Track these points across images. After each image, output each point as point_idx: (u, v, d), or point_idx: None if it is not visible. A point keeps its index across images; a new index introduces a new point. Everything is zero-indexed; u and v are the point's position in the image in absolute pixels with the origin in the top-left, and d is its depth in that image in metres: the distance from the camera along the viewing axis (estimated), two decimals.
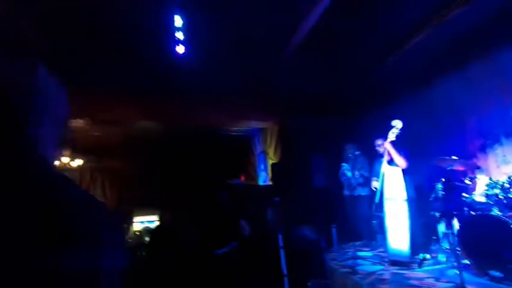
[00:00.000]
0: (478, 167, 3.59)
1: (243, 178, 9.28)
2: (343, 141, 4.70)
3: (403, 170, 3.58)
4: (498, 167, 3.83)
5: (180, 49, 4.60)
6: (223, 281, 3.49)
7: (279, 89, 5.64)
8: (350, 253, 3.85)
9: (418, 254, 3.43)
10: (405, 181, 3.59)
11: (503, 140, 3.78)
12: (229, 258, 3.72)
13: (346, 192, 4.06)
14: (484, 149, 4.02)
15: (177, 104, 5.78)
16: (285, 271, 3.76)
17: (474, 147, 4.14)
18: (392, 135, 3.60)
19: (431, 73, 4.70)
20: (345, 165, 3.77)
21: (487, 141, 3.96)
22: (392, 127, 3.61)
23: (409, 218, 3.33)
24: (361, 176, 4.01)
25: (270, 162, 7.19)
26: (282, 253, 3.82)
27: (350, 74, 5.27)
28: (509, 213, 2.70)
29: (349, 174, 3.73)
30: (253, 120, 6.93)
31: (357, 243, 4.37)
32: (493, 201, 2.78)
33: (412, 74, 4.83)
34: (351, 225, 4.28)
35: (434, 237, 3.58)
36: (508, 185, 2.74)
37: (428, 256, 3.41)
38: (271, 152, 7.28)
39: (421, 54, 4.48)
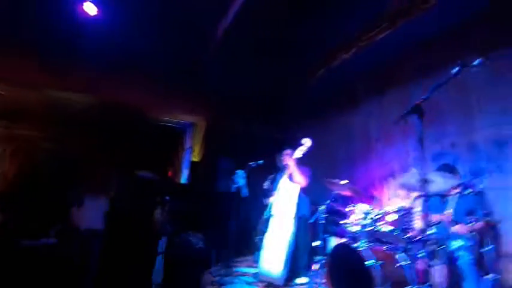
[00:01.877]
0: (372, 196, 3.55)
1: (170, 173, 8.71)
2: (263, 148, 4.47)
3: (301, 189, 3.42)
4: (389, 199, 3.86)
5: (91, 9, 4.00)
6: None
7: (206, 81, 5.28)
8: (234, 269, 3.57)
9: (295, 277, 3.25)
10: (301, 200, 3.43)
11: (397, 174, 3.82)
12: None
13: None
14: (382, 180, 4.05)
15: (87, 75, 5.06)
16: (157, 279, 3.33)
17: (376, 177, 4.17)
18: (299, 153, 3.46)
19: (353, 94, 4.71)
20: (239, 172, 3.51)
21: (385, 173, 3.99)
22: (301, 144, 3.46)
23: (292, 238, 3.13)
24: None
25: (193, 159, 6.77)
26: (159, 259, 3.38)
27: (280, 81, 5.10)
28: (376, 246, 2.61)
29: (241, 182, 3.48)
30: (179, 111, 6.44)
31: (249, 257, 4.12)
32: (362, 232, 2.67)
33: (336, 92, 4.81)
34: (243, 238, 4.00)
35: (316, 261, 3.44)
36: (379, 217, 2.65)
37: (304, 280, 3.24)
38: (196, 149, 6.87)
39: (345, 73, 4.45)
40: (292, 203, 3.20)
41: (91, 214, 4.27)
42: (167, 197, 3.91)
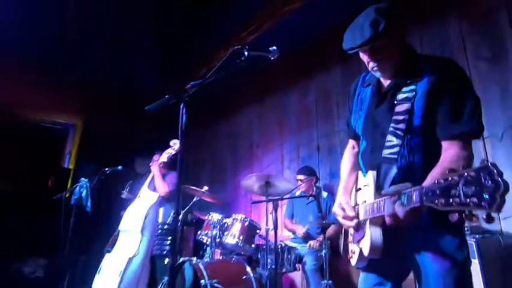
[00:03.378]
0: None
1: (49, 183, 7.27)
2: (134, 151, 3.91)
3: (163, 197, 2.98)
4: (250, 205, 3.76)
5: None
6: None
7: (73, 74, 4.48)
8: None
9: None
10: (163, 210, 2.99)
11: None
12: None
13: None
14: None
15: None
16: None
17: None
18: (165, 156, 3.01)
19: (236, 101, 4.59)
20: (81, 181, 2.87)
21: None
22: (169, 146, 3.02)
23: (138, 256, 2.66)
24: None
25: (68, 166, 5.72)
26: None
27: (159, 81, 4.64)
28: (224, 258, 2.35)
29: (83, 192, 2.85)
30: (54, 109, 5.38)
31: None
32: (211, 243, 2.39)
33: (221, 97, 4.60)
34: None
35: None
36: (227, 226, 2.40)
37: None
38: (73, 153, 5.84)
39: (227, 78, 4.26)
40: (140, 214, 2.72)
41: None
42: None
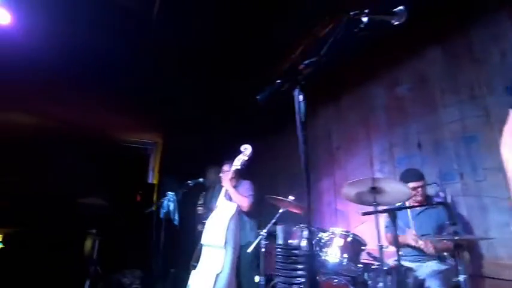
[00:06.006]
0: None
1: (138, 198, 8.00)
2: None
3: (243, 210, 2.82)
4: (358, 213, 3.29)
5: (3, 17, 3.48)
6: None
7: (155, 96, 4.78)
8: None
9: None
10: (243, 223, 2.82)
11: None
12: None
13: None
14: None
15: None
16: None
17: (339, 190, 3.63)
18: (237, 162, 2.85)
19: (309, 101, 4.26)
20: (169, 195, 2.86)
21: None
22: (240, 152, 2.88)
23: (224, 274, 2.50)
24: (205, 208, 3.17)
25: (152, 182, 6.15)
26: None
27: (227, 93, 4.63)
28: (326, 279, 2.01)
29: (171, 206, 2.83)
30: (137, 129, 5.89)
31: None
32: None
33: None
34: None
35: None
36: (326, 241, 2.06)
37: None
38: (156, 169, 6.27)
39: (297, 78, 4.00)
40: (222, 227, 2.57)
41: None
42: (93, 230, 3.27)
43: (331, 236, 2.06)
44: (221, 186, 2.93)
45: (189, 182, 3.08)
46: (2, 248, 3.92)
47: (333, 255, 1.96)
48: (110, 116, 5.38)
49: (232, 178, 2.82)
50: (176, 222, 2.82)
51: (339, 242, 1.98)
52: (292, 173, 4.48)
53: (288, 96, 0.94)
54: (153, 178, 6.54)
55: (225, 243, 2.54)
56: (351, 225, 3.28)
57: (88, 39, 3.82)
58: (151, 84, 4.64)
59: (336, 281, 1.96)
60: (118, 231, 3.45)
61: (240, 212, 2.81)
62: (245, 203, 2.80)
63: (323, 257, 1.99)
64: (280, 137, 4.74)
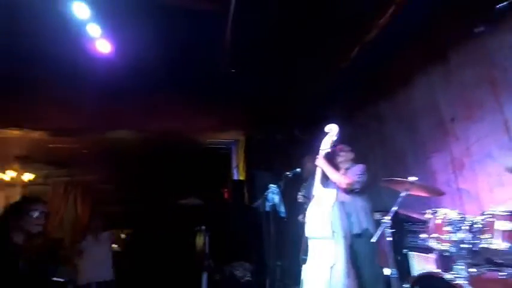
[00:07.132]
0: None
1: (226, 195, 8.45)
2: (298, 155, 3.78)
3: (357, 193, 2.59)
4: (491, 191, 2.73)
5: (104, 47, 3.95)
6: None
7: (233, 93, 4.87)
8: None
9: None
10: (353, 209, 2.59)
11: (498, 153, 2.69)
12: None
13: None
14: (470, 166, 2.94)
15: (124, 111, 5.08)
16: None
17: (457, 164, 3.07)
18: (326, 145, 2.65)
19: (403, 67, 3.73)
20: (272, 187, 2.77)
21: (476, 155, 2.88)
22: (325, 134, 2.67)
23: (342, 268, 2.30)
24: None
25: (239, 178, 6.34)
26: None
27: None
28: (487, 273, 1.65)
29: (276, 199, 2.74)
30: (217, 129, 6.13)
31: None
32: (458, 251, 1.73)
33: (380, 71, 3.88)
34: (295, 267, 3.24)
35: None
36: (480, 225, 1.69)
37: None
38: (240, 166, 6.44)
39: (387, 45, 3.53)
40: (326, 217, 2.37)
41: None
42: (203, 226, 3.46)
43: (486, 218, 1.68)
44: (313, 178, 2.76)
45: (288, 173, 2.98)
46: (123, 248, 4.50)
47: (496, 242, 1.58)
48: (195, 120, 5.72)
49: (342, 162, 2.68)
50: (283, 215, 2.76)
51: (502, 225, 1.59)
52: (388, 152, 4.03)
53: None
54: (238, 175, 6.76)
55: (333, 232, 2.36)
56: (485, 207, 2.73)
57: (169, 49, 4.08)
58: (229, 83, 4.73)
59: (504, 274, 1.58)
60: (226, 227, 3.60)
61: (354, 196, 2.61)
62: (344, 180, 2.57)
63: (482, 245, 1.63)
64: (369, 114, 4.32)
